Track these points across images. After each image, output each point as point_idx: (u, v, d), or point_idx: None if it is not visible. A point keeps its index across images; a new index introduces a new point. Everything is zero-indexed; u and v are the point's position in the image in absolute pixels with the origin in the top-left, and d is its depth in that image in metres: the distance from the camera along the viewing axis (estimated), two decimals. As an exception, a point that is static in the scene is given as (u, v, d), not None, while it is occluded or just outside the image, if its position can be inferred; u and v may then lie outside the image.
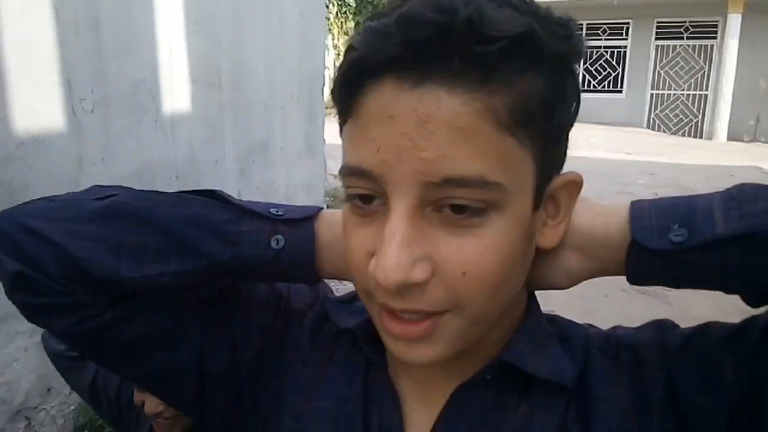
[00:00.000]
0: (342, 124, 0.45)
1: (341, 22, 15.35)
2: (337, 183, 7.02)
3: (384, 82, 0.40)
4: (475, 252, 0.41)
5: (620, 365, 0.50)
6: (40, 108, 2.05)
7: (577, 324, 0.56)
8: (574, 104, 0.45)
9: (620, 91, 14.85)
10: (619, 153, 10.38)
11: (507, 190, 0.41)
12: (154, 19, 2.61)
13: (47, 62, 2.07)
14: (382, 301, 0.43)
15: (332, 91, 0.44)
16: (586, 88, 15.10)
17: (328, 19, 14.65)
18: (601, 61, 14.91)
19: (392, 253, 0.39)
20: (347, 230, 0.45)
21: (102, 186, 0.58)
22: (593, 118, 14.16)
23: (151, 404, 1.03)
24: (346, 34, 15.75)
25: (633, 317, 3.85)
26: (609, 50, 14.79)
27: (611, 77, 14.90)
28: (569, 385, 0.49)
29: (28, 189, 1.99)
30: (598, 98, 14.90)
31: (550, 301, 3.39)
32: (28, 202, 0.55)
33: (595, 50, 14.85)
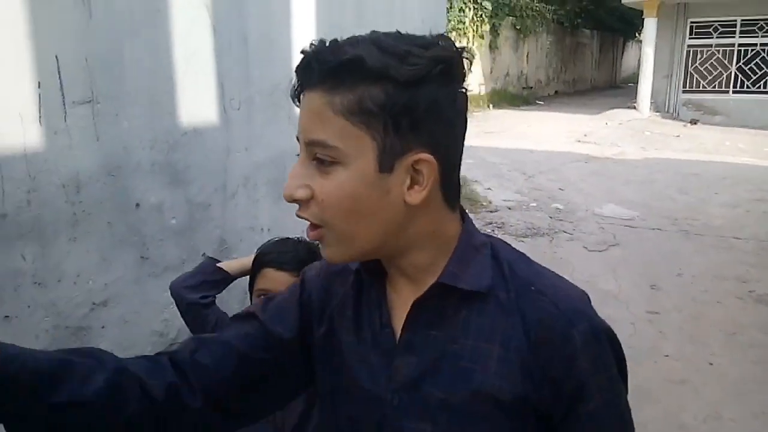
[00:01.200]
0: None
1: (476, 25, 15.50)
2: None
3: (304, 91, 0.68)
4: (327, 188, 0.66)
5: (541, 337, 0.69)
6: (199, 106, 2.58)
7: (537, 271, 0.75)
8: (428, 111, 0.65)
9: (780, 93, 13.49)
10: (769, 160, 9.54)
11: (343, 152, 0.65)
12: (290, 33, 3.08)
13: (206, 70, 2.60)
14: (296, 212, 0.70)
15: (290, 95, 0.70)
16: (738, 88, 13.92)
17: (463, 22, 14.87)
18: (757, 59, 13.65)
19: (289, 179, 0.68)
20: None
21: None
22: (745, 121, 13.02)
23: None
24: (481, 37, 15.86)
25: (744, 325, 3.73)
26: (766, 48, 13.51)
27: (768, 77, 13.59)
28: (485, 291, 0.71)
29: (188, 169, 2.52)
30: (753, 99, 13.65)
31: (659, 298, 3.47)
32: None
33: (750, 48, 13.63)
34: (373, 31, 0.67)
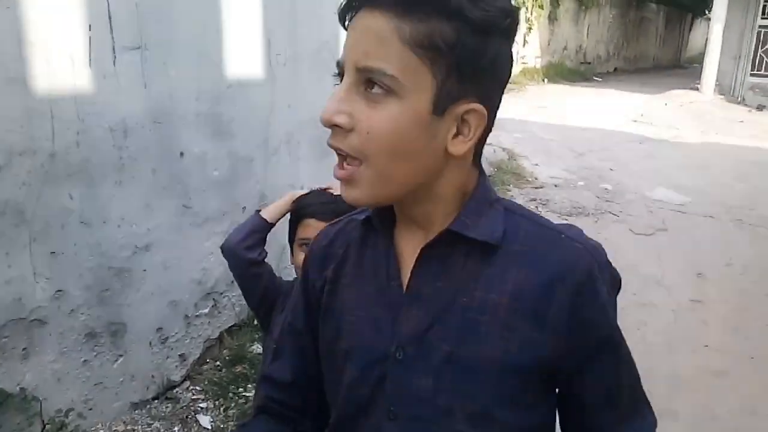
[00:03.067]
0: None
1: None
2: (503, 155, 7.18)
3: (359, 10, 0.64)
4: (376, 119, 0.63)
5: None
6: (245, 59, 2.60)
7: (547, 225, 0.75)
8: (491, 61, 0.64)
9: None
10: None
11: (402, 84, 0.62)
12: (341, -10, 3.05)
13: (254, 23, 2.60)
14: (329, 140, 0.67)
15: (338, 15, 0.67)
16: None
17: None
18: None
19: (329, 102, 0.65)
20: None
21: None
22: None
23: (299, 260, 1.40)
24: (540, 7, 15.35)
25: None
26: None
27: None
28: (496, 243, 0.70)
29: (233, 122, 2.56)
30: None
31: (704, 287, 3.37)
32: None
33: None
34: None
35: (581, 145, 8.33)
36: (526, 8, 14.71)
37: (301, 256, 1.42)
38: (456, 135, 0.66)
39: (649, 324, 3.46)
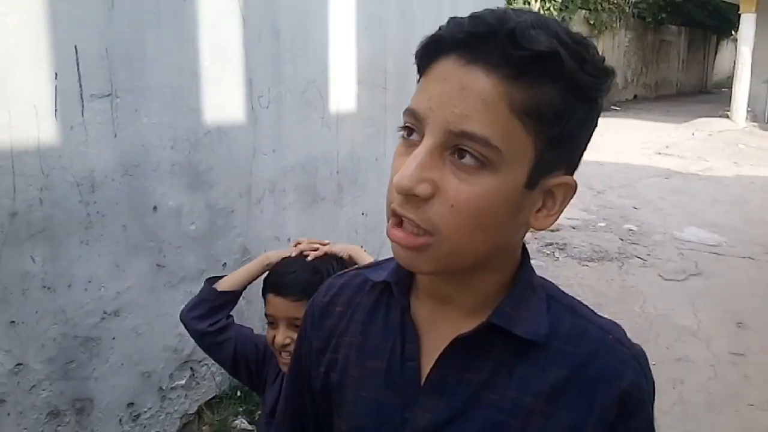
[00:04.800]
0: (418, 80, 0.67)
1: (543, 19, 15.44)
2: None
3: (449, 56, 0.61)
4: (467, 193, 0.61)
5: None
6: (225, 103, 2.69)
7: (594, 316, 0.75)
8: (587, 128, 0.65)
9: None
10: None
11: (503, 156, 0.60)
12: (327, 25, 3.19)
13: (233, 64, 2.71)
14: (393, 205, 0.63)
15: (416, 54, 0.65)
16: None
17: (528, 16, 14.83)
18: None
19: (408, 167, 0.61)
20: (394, 159, 0.66)
21: None
22: None
23: (280, 337, 1.42)
24: (548, 32, 15.78)
25: None
26: None
27: None
28: (540, 341, 0.69)
29: (212, 170, 2.63)
30: None
31: (745, 338, 3.39)
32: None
33: None
34: (540, 14, 0.63)
35: (600, 181, 8.45)
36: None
37: (270, 334, 1.45)
38: (540, 208, 0.67)
39: (686, 381, 3.46)
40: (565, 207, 0.68)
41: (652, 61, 21.89)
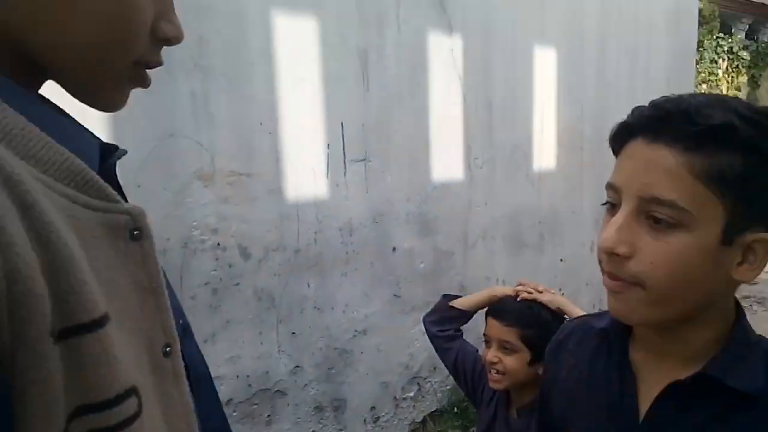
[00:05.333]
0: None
1: (732, 77, 14.07)
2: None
3: (636, 139, 0.65)
4: (663, 251, 0.62)
5: None
6: (448, 164, 2.88)
7: None
8: None
9: None
10: None
11: (693, 216, 0.61)
12: (532, 97, 3.28)
13: (455, 131, 2.90)
14: (603, 264, 0.66)
15: (609, 139, 0.70)
16: None
17: (716, 74, 13.63)
18: None
19: (609, 230, 0.64)
20: (601, 227, 0.69)
21: None
22: None
23: (491, 355, 1.42)
24: (737, 89, 14.32)
25: None
26: None
27: None
28: (756, 395, 0.64)
29: (437, 219, 2.81)
30: None
31: None
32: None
33: None
34: (720, 95, 0.67)
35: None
36: (720, 91, 13.80)
37: (484, 352, 1.47)
38: (741, 263, 0.65)
39: None
40: (766, 261, 0.66)
41: None
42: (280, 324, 2.25)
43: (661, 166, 0.62)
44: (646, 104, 0.67)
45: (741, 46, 14.05)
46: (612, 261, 0.65)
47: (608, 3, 3.72)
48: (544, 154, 3.41)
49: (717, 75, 13.64)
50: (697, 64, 12.83)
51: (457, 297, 1.67)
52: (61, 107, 0.51)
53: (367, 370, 2.55)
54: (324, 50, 2.32)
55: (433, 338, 1.63)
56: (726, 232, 0.62)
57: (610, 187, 0.68)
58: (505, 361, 1.39)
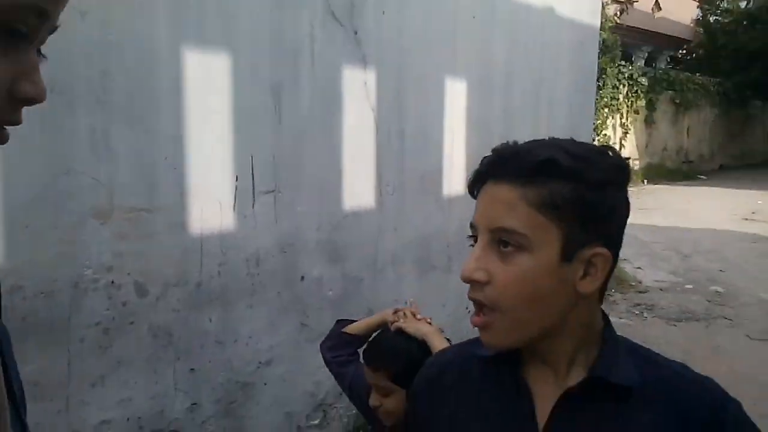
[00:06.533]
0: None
1: (631, 101, 14.96)
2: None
3: (487, 182, 0.73)
4: (512, 273, 0.70)
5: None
6: (359, 192, 2.87)
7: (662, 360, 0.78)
8: (611, 209, 0.71)
9: None
10: None
11: (532, 240, 0.69)
12: (442, 128, 3.32)
13: (368, 161, 2.89)
14: (468, 293, 0.73)
15: (467, 187, 0.77)
16: None
17: (617, 98, 14.43)
18: None
19: (468, 261, 0.72)
20: None
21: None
22: None
23: (373, 399, 1.38)
24: (636, 112, 15.22)
25: None
26: None
27: None
28: (636, 386, 0.72)
29: (347, 247, 2.79)
30: None
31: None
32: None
33: None
34: (552, 138, 0.75)
35: (687, 246, 7.93)
36: (621, 114, 14.63)
37: (372, 394, 1.40)
38: (584, 276, 0.71)
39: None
40: (606, 273, 0.73)
41: (738, 133, 20.38)
42: (178, 361, 2.15)
43: (503, 200, 0.70)
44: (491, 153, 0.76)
45: (640, 72, 14.98)
46: (474, 288, 0.72)
47: (516, 33, 3.83)
48: (454, 179, 3.46)
49: (618, 100, 14.46)
50: (600, 89, 13.58)
51: (351, 322, 1.63)
52: None
53: (270, 401, 2.49)
54: (236, 84, 2.24)
55: (328, 364, 1.60)
56: (565, 250, 0.70)
57: (471, 225, 0.75)
58: (385, 403, 1.36)
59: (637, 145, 15.51)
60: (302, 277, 2.59)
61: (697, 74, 17.69)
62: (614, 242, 0.73)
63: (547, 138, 0.75)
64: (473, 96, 3.50)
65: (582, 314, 0.74)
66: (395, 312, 1.50)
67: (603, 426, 0.72)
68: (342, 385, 1.60)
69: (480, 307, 0.72)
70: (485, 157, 0.75)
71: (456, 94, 3.38)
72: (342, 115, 2.70)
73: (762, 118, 22.10)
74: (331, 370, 1.61)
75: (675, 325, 5.04)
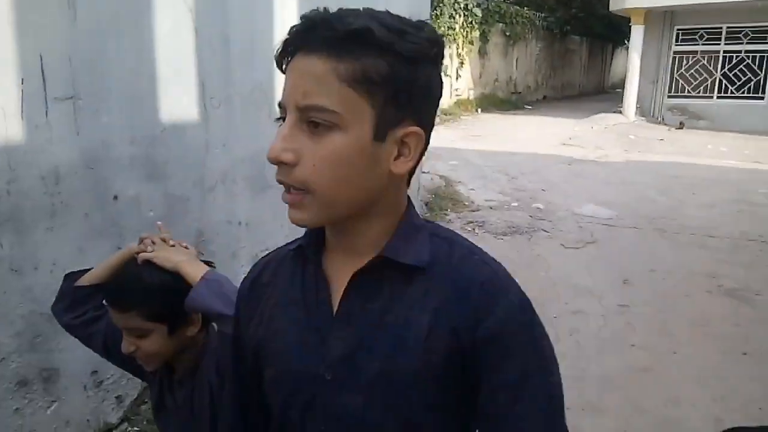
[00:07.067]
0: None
1: (466, 31, 15.60)
2: (440, 182, 7.36)
3: (296, 55, 0.67)
4: (322, 153, 0.66)
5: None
6: (180, 103, 2.63)
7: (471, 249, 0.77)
8: (425, 86, 0.69)
9: (761, 98, 13.61)
10: (749, 162, 9.64)
11: (343, 117, 0.65)
12: (272, 34, 3.14)
13: (188, 69, 2.65)
14: (276, 175, 0.69)
15: (276, 60, 0.69)
16: (723, 94, 14.04)
17: (453, 29, 14.96)
18: (742, 66, 13.78)
19: (275, 141, 0.67)
20: None
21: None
22: (729, 125, 13.15)
23: (125, 345, 1.20)
24: (471, 43, 15.93)
25: (711, 317, 3.79)
26: (750, 55, 13.64)
27: (752, 83, 13.72)
28: (424, 266, 0.73)
29: (167, 164, 2.57)
30: (737, 104, 13.79)
31: (630, 292, 3.52)
32: None
33: (735, 55, 13.76)
34: (367, 8, 0.68)
35: (514, 169, 8.63)
36: (457, 44, 15.24)
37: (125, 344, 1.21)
38: (397, 156, 0.70)
39: (581, 330, 3.60)
40: (419, 153, 0.72)
41: (559, 66, 22.39)
42: (-36, 293, 1.86)
43: (312, 74, 0.65)
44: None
45: (475, 3, 15.60)
46: (281, 170, 0.67)
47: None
48: (287, 95, 3.33)
49: (454, 30, 15.01)
50: (437, 19, 13.91)
51: (83, 273, 1.35)
52: None
53: (89, 331, 2.27)
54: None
55: (70, 329, 1.32)
56: (377, 128, 0.66)
57: (279, 104, 0.69)
58: (142, 346, 1.19)
59: (471, 76, 16.35)
60: (115, 197, 2.35)
61: (525, 8, 18.91)
62: (427, 121, 0.71)
63: (361, 7, 0.69)
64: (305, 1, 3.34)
65: (390, 196, 0.73)
66: (142, 241, 1.27)
67: (391, 305, 0.73)
68: (95, 347, 1.33)
69: (288, 188, 0.69)
70: (293, 26, 0.68)
71: None
72: (152, 14, 2.42)
73: (579, 52, 24.44)
74: (77, 336, 1.33)
75: (502, 239, 5.51)
